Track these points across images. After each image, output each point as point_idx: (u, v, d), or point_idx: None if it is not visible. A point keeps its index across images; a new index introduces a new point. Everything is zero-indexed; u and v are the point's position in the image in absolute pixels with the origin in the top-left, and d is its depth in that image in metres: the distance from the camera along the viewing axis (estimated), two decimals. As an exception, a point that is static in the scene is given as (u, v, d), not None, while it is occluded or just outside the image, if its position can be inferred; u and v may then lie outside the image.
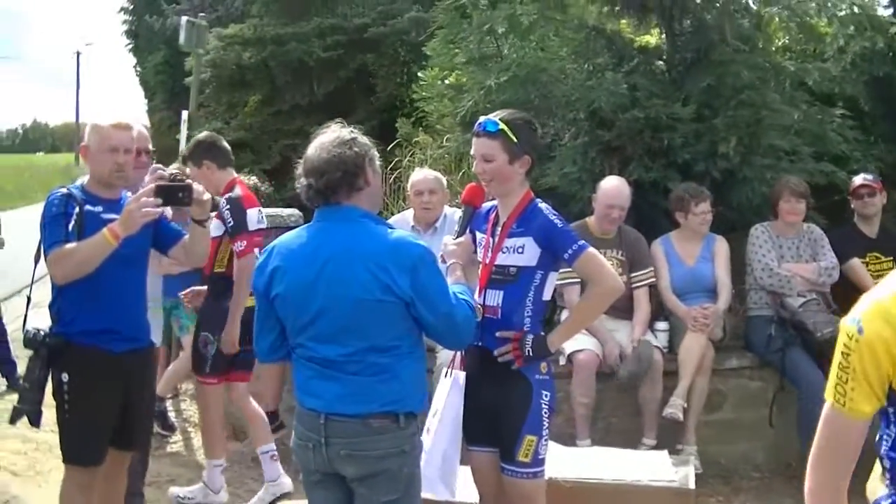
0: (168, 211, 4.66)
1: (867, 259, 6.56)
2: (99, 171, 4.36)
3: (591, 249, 3.89)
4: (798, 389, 6.04)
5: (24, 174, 41.07)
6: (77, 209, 4.24)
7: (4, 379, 8.50)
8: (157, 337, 5.31)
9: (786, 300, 6.22)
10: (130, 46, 31.11)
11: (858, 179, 6.65)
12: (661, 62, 7.72)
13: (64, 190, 4.35)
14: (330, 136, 3.52)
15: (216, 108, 17.86)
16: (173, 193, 4.22)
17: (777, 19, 7.72)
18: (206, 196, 4.45)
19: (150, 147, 5.15)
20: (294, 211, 7.57)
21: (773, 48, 8.20)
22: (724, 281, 6.39)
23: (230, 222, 5.55)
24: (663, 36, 7.77)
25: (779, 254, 6.37)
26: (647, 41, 8.09)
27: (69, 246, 4.15)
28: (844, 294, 6.39)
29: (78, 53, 65.35)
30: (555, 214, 3.91)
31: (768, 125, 6.98)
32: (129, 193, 4.48)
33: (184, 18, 14.66)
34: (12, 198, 30.62)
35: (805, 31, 7.78)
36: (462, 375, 4.01)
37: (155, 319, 5.24)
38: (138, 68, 30.79)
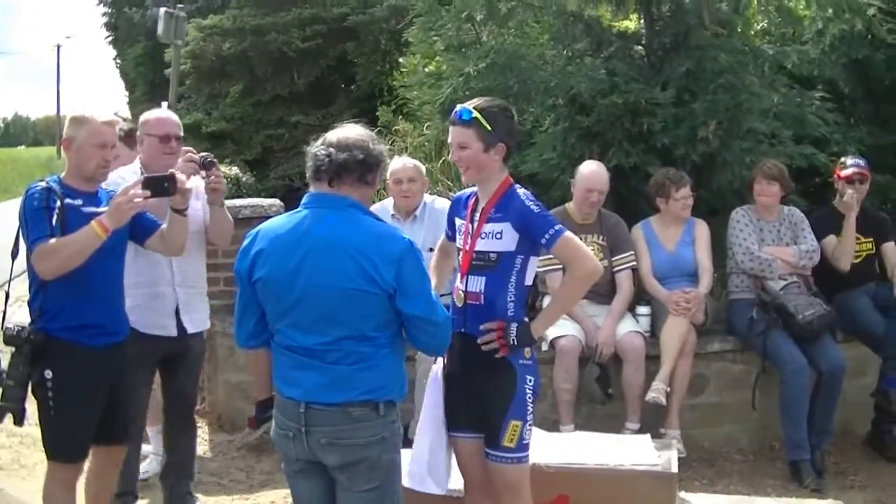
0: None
1: None
2: (84, 166, 4.32)
3: (569, 233, 3.89)
4: (780, 372, 6.05)
5: (6, 168, 40.77)
6: (58, 203, 4.20)
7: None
8: (207, 322, 5.39)
9: (767, 283, 6.23)
10: (110, 39, 31.00)
11: (852, 167, 6.53)
12: (639, 47, 7.70)
13: (43, 183, 4.30)
14: (360, 128, 3.62)
15: (197, 100, 17.85)
16: (159, 184, 4.23)
17: (756, 3, 7.75)
18: (189, 185, 4.45)
19: (181, 133, 5.16)
20: (275, 201, 7.55)
21: (752, 32, 8.20)
22: (705, 265, 6.39)
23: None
24: (642, 21, 7.76)
25: (759, 237, 6.37)
26: (626, 26, 8.09)
27: (55, 241, 4.11)
28: (826, 277, 6.42)
29: (58, 47, 64.73)
30: (532, 200, 3.91)
31: (747, 109, 6.97)
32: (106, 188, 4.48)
33: (162, 10, 14.63)
34: (-6, 192, 30.45)
35: (784, 15, 7.78)
36: (439, 366, 4.04)
37: (202, 304, 5.32)
38: (118, 60, 30.71)
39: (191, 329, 5.15)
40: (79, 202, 4.28)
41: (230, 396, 7.04)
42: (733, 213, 6.46)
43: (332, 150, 3.50)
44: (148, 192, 4.15)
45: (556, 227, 3.86)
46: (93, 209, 4.23)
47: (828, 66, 7.70)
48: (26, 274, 4.36)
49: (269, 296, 3.51)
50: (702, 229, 6.48)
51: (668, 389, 5.97)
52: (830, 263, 6.43)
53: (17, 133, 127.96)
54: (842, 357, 6.06)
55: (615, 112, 6.88)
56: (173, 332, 5.05)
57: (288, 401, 3.52)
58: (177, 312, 5.08)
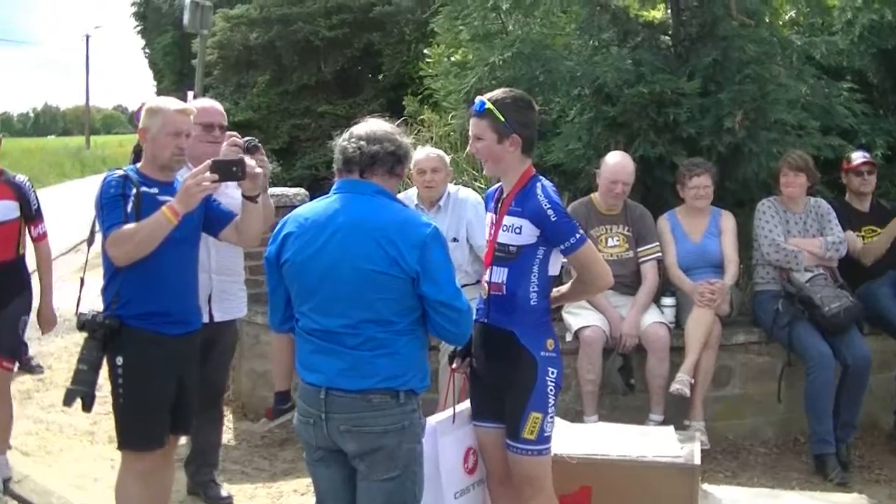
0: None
1: (863, 233, 6.55)
2: (160, 154, 4.33)
3: (588, 244, 3.91)
4: (805, 364, 6.01)
5: (35, 157, 40.99)
6: (134, 191, 4.22)
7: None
8: (242, 310, 5.52)
9: (793, 275, 6.19)
10: (139, 28, 31.22)
11: (858, 157, 6.59)
12: (666, 37, 7.66)
13: (120, 171, 4.32)
14: (385, 122, 3.69)
15: (224, 89, 17.91)
16: (228, 169, 4.20)
17: (784, -8, 7.69)
18: (258, 170, 4.42)
19: (225, 122, 5.21)
20: (300, 190, 7.60)
21: (780, 22, 8.14)
22: (730, 256, 6.35)
23: (35, 204, 5.75)
24: (669, 11, 7.72)
25: (785, 228, 6.33)
26: (653, 16, 8.05)
27: (129, 226, 4.12)
28: (851, 268, 6.38)
29: (87, 37, 65.03)
30: (551, 202, 3.84)
31: (774, 99, 6.91)
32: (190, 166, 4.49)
33: (188, -1, 14.64)
34: (24, 181, 30.56)
35: (812, 5, 7.73)
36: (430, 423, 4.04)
37: (238, 292, 5.42)
38: (147, 50, 30.93)
39: (219, 317, 5.21)
40: (154, 191, 4.29)
41: (255, 385, 7.08)
42: (759, 205, 6.42)
43: (362, 142, 3.55)
44: (216, 176, 4.13)
45: (576, 237, 3.84)
46: (168, 198, 4.22)
47: (856, 57, 7.65)
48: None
49: (293, 277, 3.57)
50: (728, 221, 6.44)
51: (693, 381, 5.94)
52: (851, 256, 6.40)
53: (46, 123, 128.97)
54: (868, 350, 6.02)
55: (641, 102, 6.85)
56: (205, 319, 5.09)
57: (309, 387, 3.55)
58: (209, 300, 5.14)
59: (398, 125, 3.82)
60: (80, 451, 6.43)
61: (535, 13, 7.83)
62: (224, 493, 5.56)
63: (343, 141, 3.61)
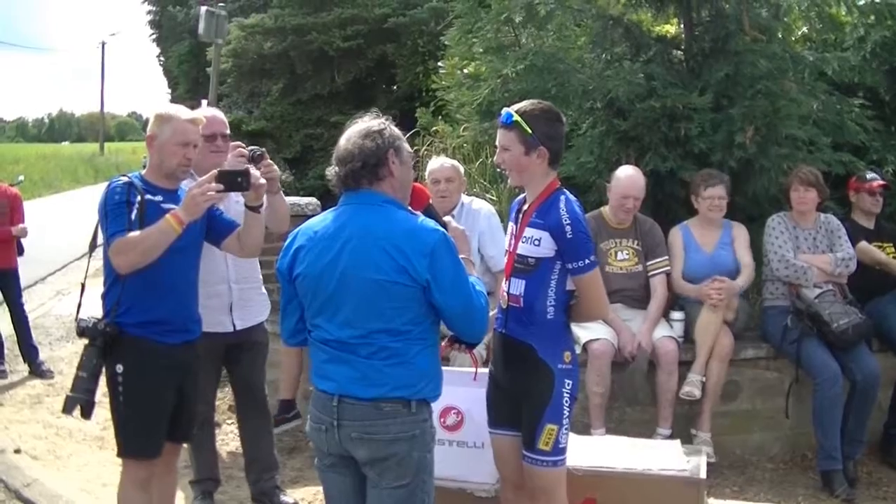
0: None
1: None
2: (167, 163, 4.33)
3: (596, 273, 3.92)
4: (814, 381, 6.01)
5: (50, 163, 41.14)
6: (139, 198, 4.22)
7: (27, 365, 8.60)
8: (263, 315, 5.45)
9: (802, 291, 6.18)
10: (154, 36, 31.39)
11: (874, 177, 6.59)
12: (678, 52, 7.67)
13: (125, 178, 4.33)
14: (358, 127, 3.64)
15: (237, 98, 17.98)
16: (233, 179, 4.22)
17: (797, 9, 7.69)
18: (263, 181, 4.43)
19: (227, 132, 5.20)
20: (312, 200, 7.61)
21: (793, 38, 8.15)
22: (746, 261, 6.33)
23: None
24: (681, 25, 7.73)
25: (795, 244, 6.32)
26: (666, 31, 8.06)
27: (133, 234, 4.12)
28: (860, 285, 6.37)
29: (103, 44, 65.06)
30: (571, 217, 3.85)
31: (786, 115, 6.92)
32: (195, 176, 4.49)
33: (203, 8, 14.71)
34: (38, 187, 30.74)
35: (825, 21, 7.74)
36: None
37: (258, 297, 5.39)
38: (162, 58, 31.07)
39: (240, 325, 5.22)
40: (159, 198, 4.29)
41: (267, 393, 7.07)
42: (769, 220, 6.42)
43: (336, 168, 3.59)
44: (221, 186, 4.15)
45: (587, 261, 3.86)
46: (171, 206, 4.22)
47: (868, 73, 7.66)
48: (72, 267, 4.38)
49: (307, 290, 3.57)
50: (739, 230, 6.44)
51: (704, 380, 5.94)
52: (866, 265, 6.40)
53: (61, 129, 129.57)
54: (876, 366, 6.02)
55: (652, 116, 6.86)
56: (229, 328, 5.14)
57: (322, 394, 3.56)
58: (230, 309, 5.16)
59: (408, 136, 3.78)
60: (88, 455, 6.46)
61: (548, 26, 7.85)
62: (290, 499, 5.56)
63: (333, 166, 3.63)
